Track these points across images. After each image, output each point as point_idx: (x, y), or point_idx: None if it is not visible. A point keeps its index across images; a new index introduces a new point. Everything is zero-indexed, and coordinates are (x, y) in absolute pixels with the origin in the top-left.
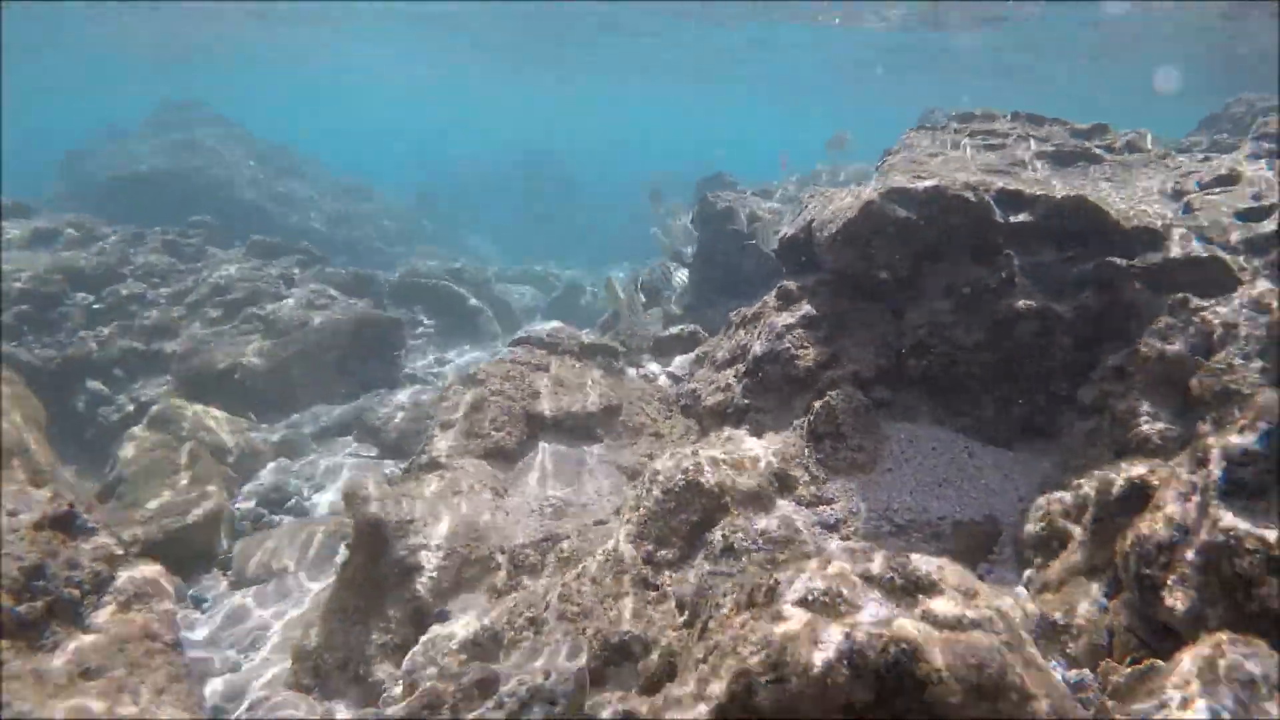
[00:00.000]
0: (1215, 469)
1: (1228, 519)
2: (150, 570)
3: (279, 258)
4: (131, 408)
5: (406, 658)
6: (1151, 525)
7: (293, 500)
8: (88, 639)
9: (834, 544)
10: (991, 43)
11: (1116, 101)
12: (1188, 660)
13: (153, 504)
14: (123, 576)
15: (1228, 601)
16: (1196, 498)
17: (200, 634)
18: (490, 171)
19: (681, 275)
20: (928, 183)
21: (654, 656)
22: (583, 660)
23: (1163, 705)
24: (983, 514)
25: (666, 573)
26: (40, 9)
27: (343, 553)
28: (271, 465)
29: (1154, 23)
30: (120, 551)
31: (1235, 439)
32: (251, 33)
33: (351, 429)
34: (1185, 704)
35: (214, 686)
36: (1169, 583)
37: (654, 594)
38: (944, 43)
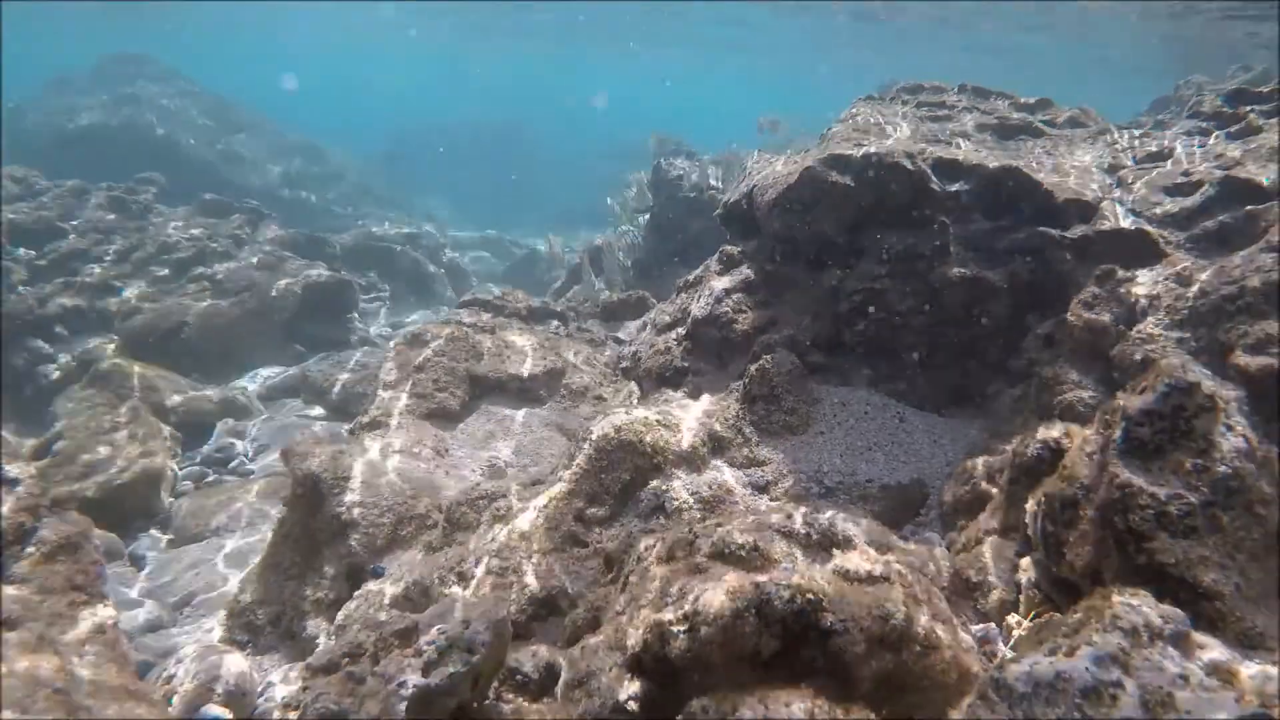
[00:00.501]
0: (1116, 428)
1: (1124, 476)
2: (77, 522)
3: (229, 216)
4: (74, 365)
5: (340, 612)
6: (1057, 484)
7: (236, 460)
8: (8, 589)
9: (763, 504)
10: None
11: (1075, 80)
12: (1079, 610)
13: (91, 461)
14: (47, 527)
15: (1121, 556)
16: (1099, 456)
17: (137, 590)
18: (451, 135)
19: (635, 240)
20: (866, 149)
21: (580, 610)
22: (503, 611)
23: (1051, 652)
24: (910, 477)
25: (597, 529)
26: None
27: (280, 509)
28: (217, 426)
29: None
30: (45, 503)
31: (1136, 400)
32: None
33: (299, 390)
34: (1072, 651)
35: (146, 641)
36: (1071, 540)
37: (583, 550)
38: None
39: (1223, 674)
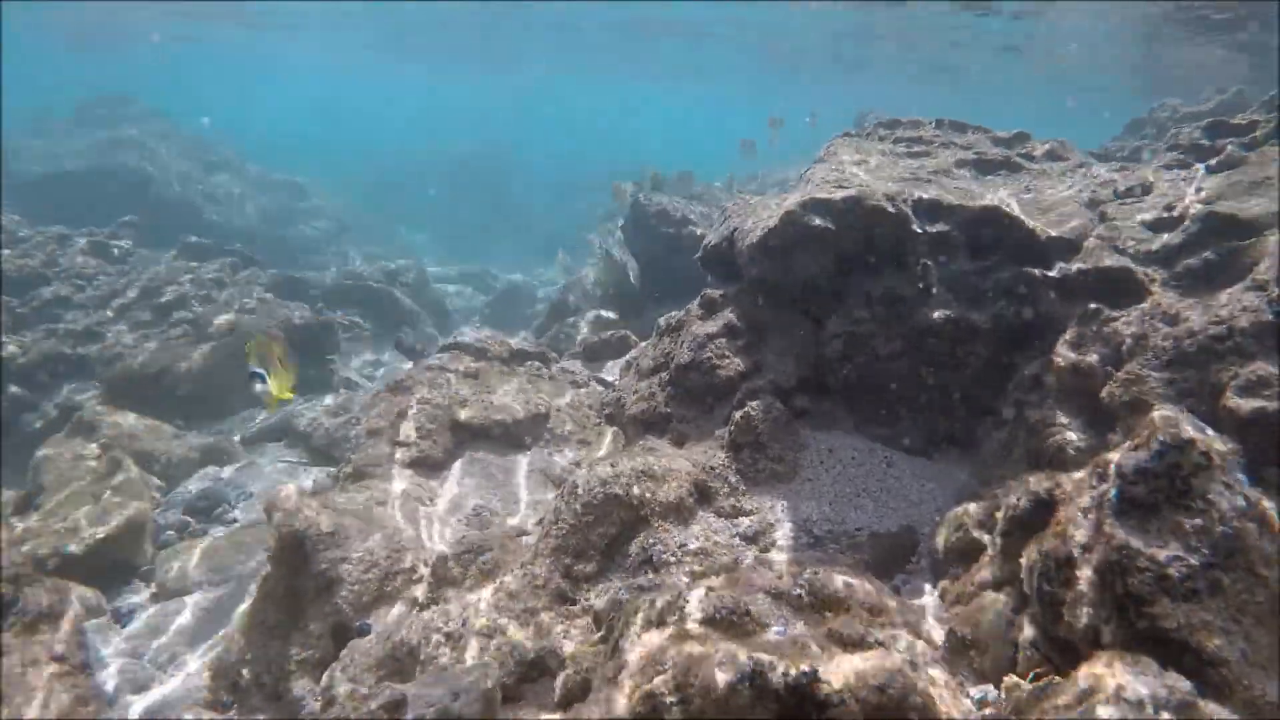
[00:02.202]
0: (1110, 486)
1: (1120, 536)
2: (59, 589)
3: (211, 259)
4: (55, 413)
5: (325, 674)
6: (1053, 541)
7: (220, 509)
8: None
9: (750, 556)
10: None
11: (1049, 103)
12: (1080, 678)
13: (73, 514)
14: (28, 597)
15: (1121, 619)
16: (1094, 514)
17: (120, 648)
18: (431, 166)
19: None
20: (846, 193)
21: (569, 672)
22: (491, 682)
23: None
24: (900, 525)
25: (584, 586)
26: None
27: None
28: (199, 473)
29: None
30: (27, 570)
31: (1130, 456)
32: (183, 26)
33: (282, 435)
34: None
35: (130, 703)
36: (1068, 599)
37: (571, 608)
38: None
39: None
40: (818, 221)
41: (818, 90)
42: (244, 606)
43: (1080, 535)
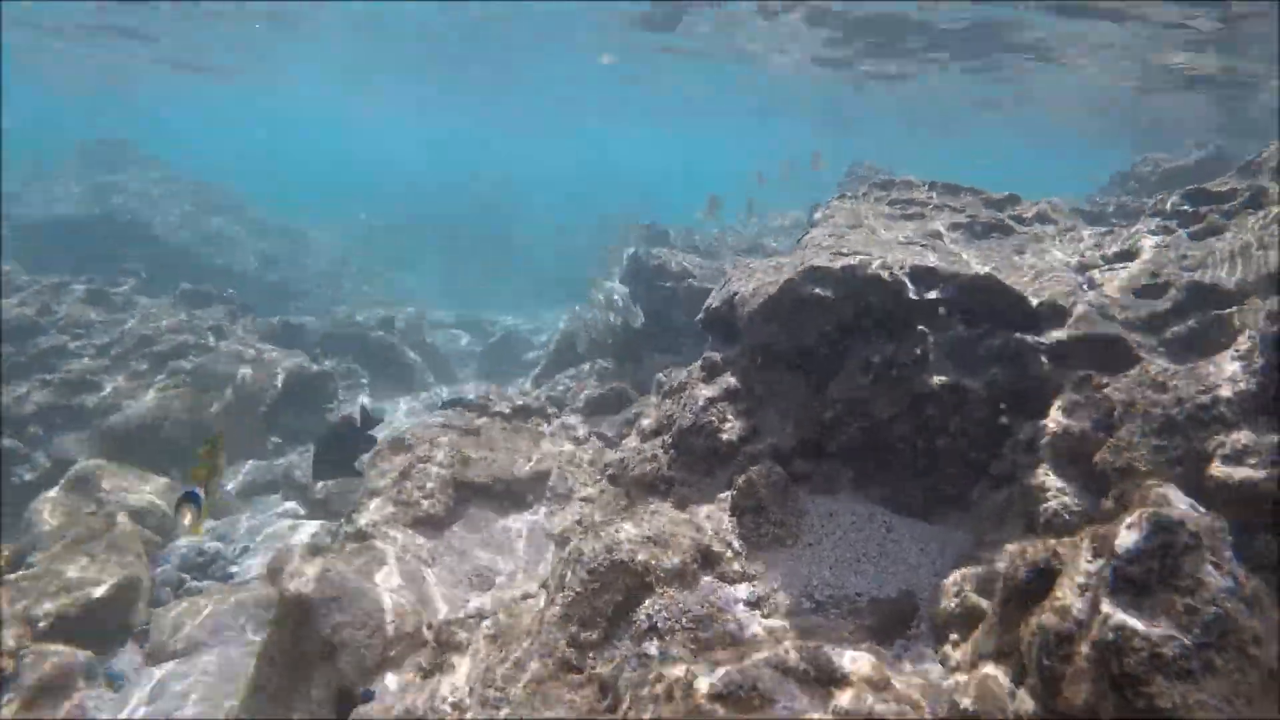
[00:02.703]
0: (1106, 564)
1: (1117, 616)
2: (58, 659)
3: (208, 307)
4: (49, 465)
5: None
6: (1051, 616)
7: (217, 564)
8: None
9: (756, 624)
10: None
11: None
12: None
13: (68, 574)
14: (26, 670)
15: (1119, 698)
16: (1090, 591)
17: (115, 715)
18: (427, 210)
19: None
20: (844, 261)
21: None
22: None
23: None
24: (900, 590)
25: (591, 654)
26: None
27: (266, 624)
28: None
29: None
30: (28, 644)
31: (1124, 535)
32: (181, 73)
33: (279, 486)
34: None
35: None
36: (1068, 675)
37: (578, 677)
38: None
39: None
40: (817, 290)
41: (812, 131)
42: (246, 671)
43: (1077, 611)
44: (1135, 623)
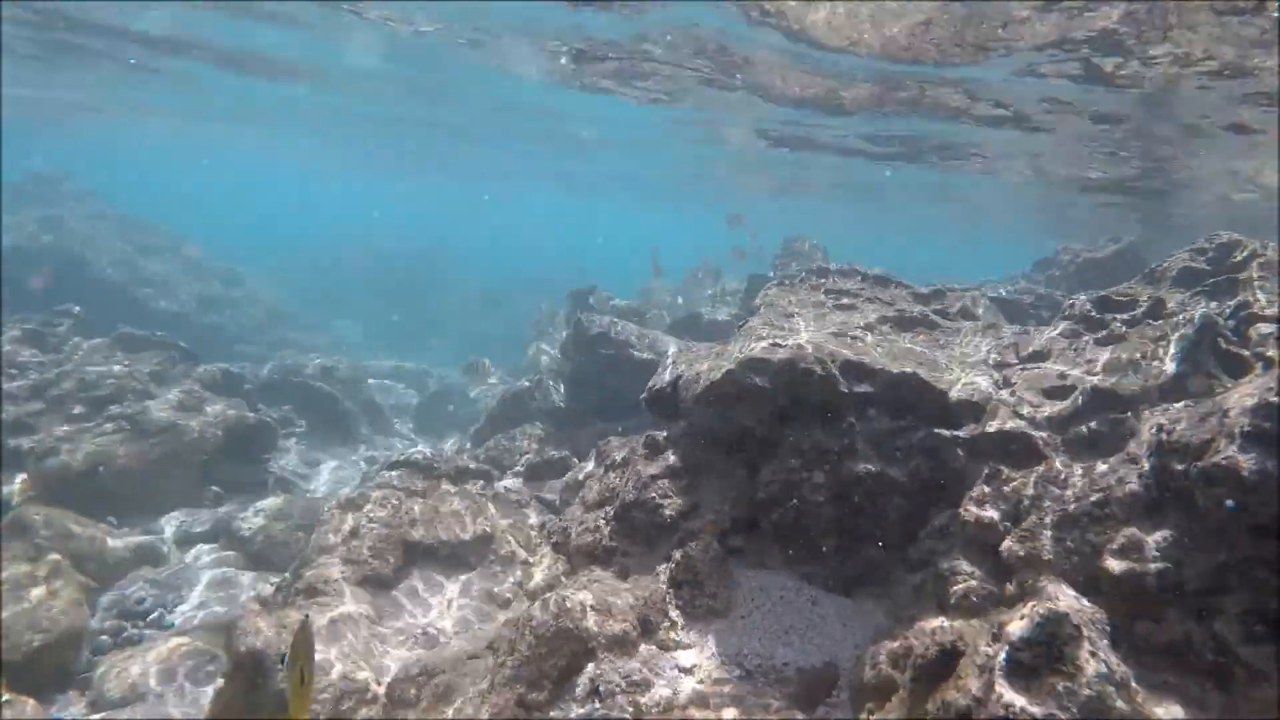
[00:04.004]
0: (1001, 649)
1: (1008, 695)
2: (30, 710)
3: (147, 351)
4: None
5: None
6: (953, 693)
7: (155, 613)
8: None
9: (690, 689)
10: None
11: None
12: None
13: (7, 620)
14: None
15: None
16: (987, 673)
17: None
18: (364, 261)
19: (558, 392)
20: (782, 355)
21: None
22: None
23: None
24: (823, 660)
25: (537, 713)
26: None
27: (210, 676)
28: (132, 574)
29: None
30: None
31: (1017, 625)
32: (123, 115)
33: (218, 535)
34: None
35: None
36: None
37: None
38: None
39: None
40: (756, 380)
41: (745, 203)
42: None
43: (976, 689)
44: (1023, 701)
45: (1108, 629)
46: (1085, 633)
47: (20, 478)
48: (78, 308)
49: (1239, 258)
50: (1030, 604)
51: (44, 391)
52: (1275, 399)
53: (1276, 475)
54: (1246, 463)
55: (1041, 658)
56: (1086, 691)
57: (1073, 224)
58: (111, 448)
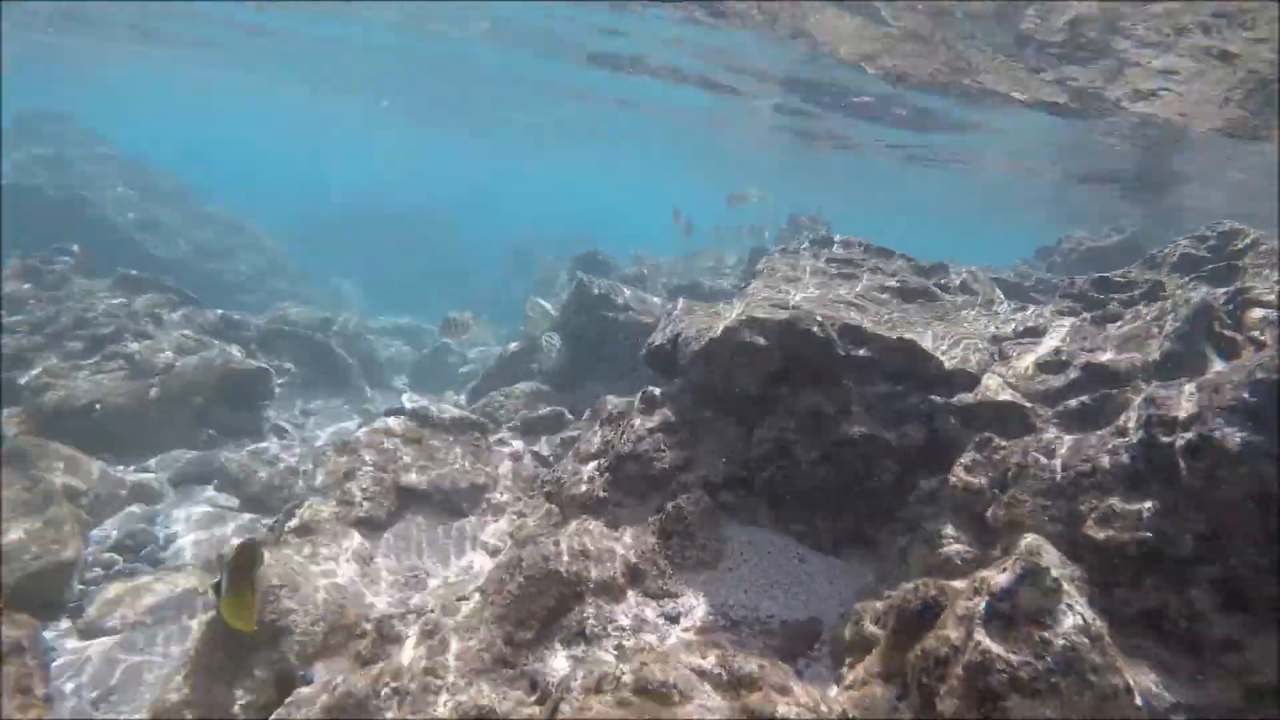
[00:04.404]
0: (982, 600)
1: (986, 643)
2: (24, 624)
3: (147, 293)
4: None
5: (271, 717)
6: (934, 642)
7: (148, 548)
8: None
9: (675, 636)
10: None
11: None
12: None
13: (3, 547)
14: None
15: (980, 711)
16: (968, 622)
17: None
18: (368, 215)
19: (555, 345)
20: (782, 315)
21: None
22: None
23: None
24: (808, 615)
25: (524, 652)
26: None
27: (201, 610)
28: (126, 510)
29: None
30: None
31: (1000, 577)
32: (130, 51)
33: (212, 477)
34: None
35: None
36: (941, 692)
37: (511, 672)
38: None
39: None
40: (755, 339)
41: (758, 176)
42: (187, 649)
43: (955, 639)
44: (1000, 649)
45: (1086, 587)
46: (1065, 586)
47: (13, 410)
48: (77, 246)
49: (1239, 245)
50: (1013, 557)
51: (42, 327)
52: (1263, 376)
53: (1261, 449)
54: (1232, 435)
55: (1021, 609)
56: (1061, 642)
57: (1076, 213)
58: (108, 386)
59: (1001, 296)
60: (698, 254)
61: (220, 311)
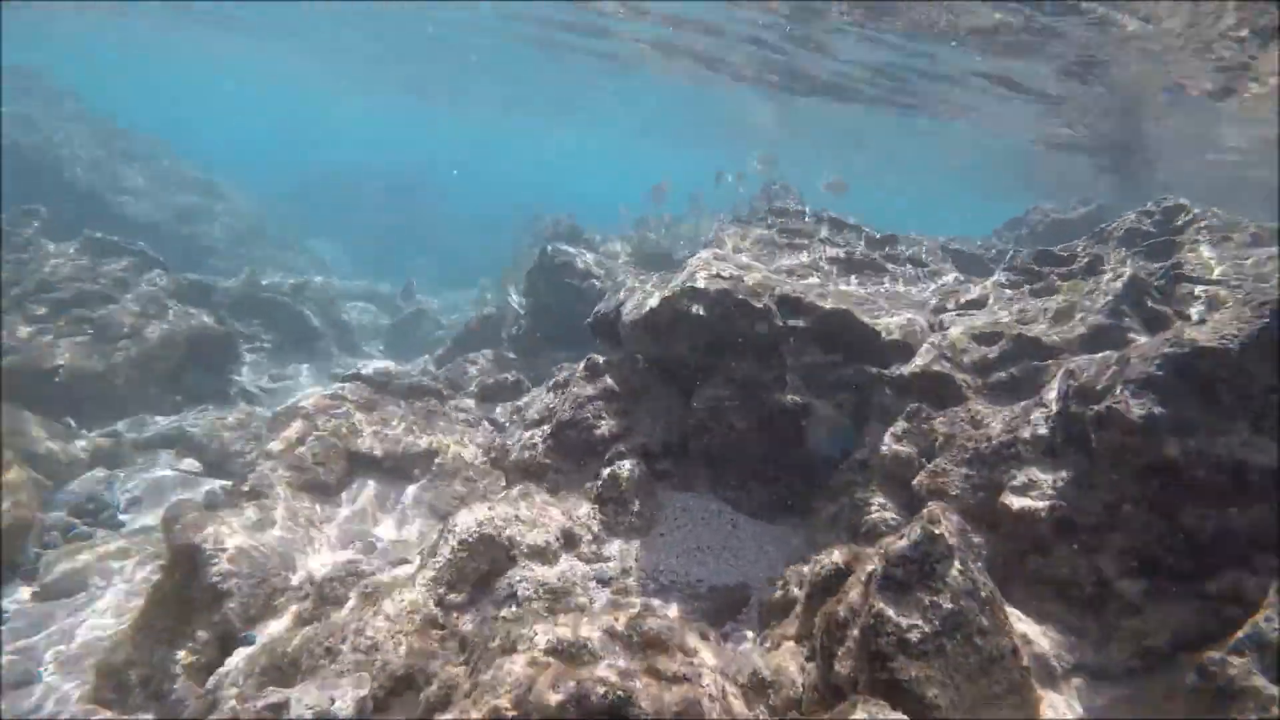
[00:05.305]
0: (879, 565)
1: (879, 606)
2: None
3: (115, 257)
4: None
5: (212, 676)
6: (836, 605)
7: (107, 512)
8: None
9: (604, 597)
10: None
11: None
12: (834, 715)
13: None
14: None
15: (871, 670)
16: (865, 587)
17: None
18: (348, 180)
19: (521, 313)
20: (719, 285)
21: (434, 687)
22: (365, 690)
23: None
24: (736, 580)
25: (455, 614)
26: None
27: (154, 573)
28: (87, 475)
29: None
30: None
31: (897, 544)
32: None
33: (177, 441)
34: None
35: (10, 700)
36: (840, 653)
37: (441, 632)
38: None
39: None
40: (693, 308)
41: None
42: (133, 611)
43: (855, 602)
44: (891, 613)
45: (982, 553)
46: (957, 553)
47: None
48: (44, 208)
49: (1180, 221)
50: (911, 525)
51: (6, 291)
52: (1170, 351)
53: (1164, 422)
54: (1136, 408)
55: (914, 574)
56: (950, 605)
57: (1051, 184)
58: (73, 350)
59: (952, 269)
60: (671, 224)
61: (192, 276)
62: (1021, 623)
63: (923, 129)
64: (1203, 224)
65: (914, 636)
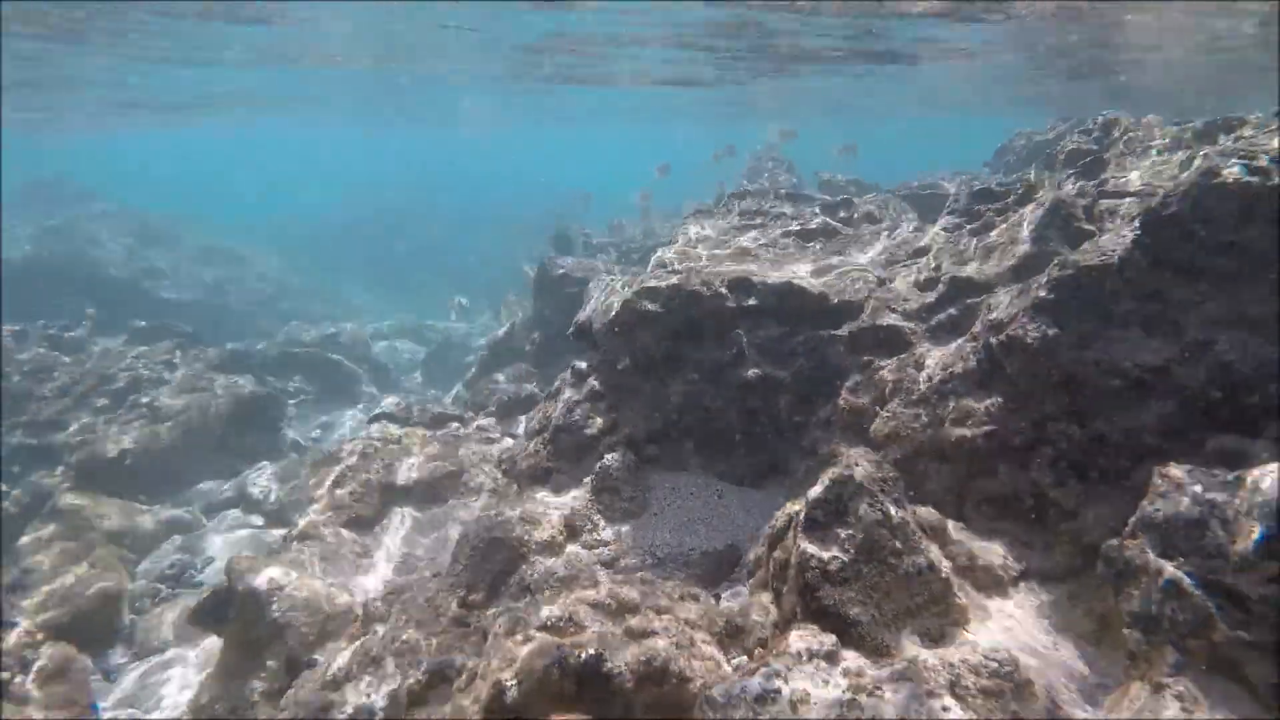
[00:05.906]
0: (803, 510)
1: (803, 546)
2: (63, 650)
3: (158, 341)
4: (27, 499)
5: (283, 699)
6: (778, 551)
7: (187, 574)
8: (26, 708)
9: (606, 578)
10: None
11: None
12: (780, 642)
13: (56, 591)
14: (44, 656)
15: (804, 602)
16: (796, 530)
17: (112, 700)
18: (354, 220)
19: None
20: (670, 281)
21: (463, 678)
22: (396, 684)
23: (745, 674)
24: (726, 544)
25: (476, 611)
26: None
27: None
28: (165, 544)
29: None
30: (40, 637)
31: (814, 489)
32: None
33: (238, 501)
34: (753, 672)
35: None
36: (784, 592)
37: (464, 629)
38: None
39: (852, 675)
40: (650, 306)
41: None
42: (214, 654)
43: (790, 544)
44: (814, 549)
45: (898, 486)
46: (868, 490)
47: (56, 470)
48: (91, 309)
49: (1114, 135)
50: (825, 473)
51: (70, 390)
52: (1059, 274)
53: (1060, 341)
54: (1032, 331)
55: (831, 513)
56: (862, 536)
57: (1049, 106)
58: (134, 434)
59: (914, 218)
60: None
61: (230, 345)
62: (974, 541)
63: (893, 75)
64: (1129, 135)
65: (834, 566)
